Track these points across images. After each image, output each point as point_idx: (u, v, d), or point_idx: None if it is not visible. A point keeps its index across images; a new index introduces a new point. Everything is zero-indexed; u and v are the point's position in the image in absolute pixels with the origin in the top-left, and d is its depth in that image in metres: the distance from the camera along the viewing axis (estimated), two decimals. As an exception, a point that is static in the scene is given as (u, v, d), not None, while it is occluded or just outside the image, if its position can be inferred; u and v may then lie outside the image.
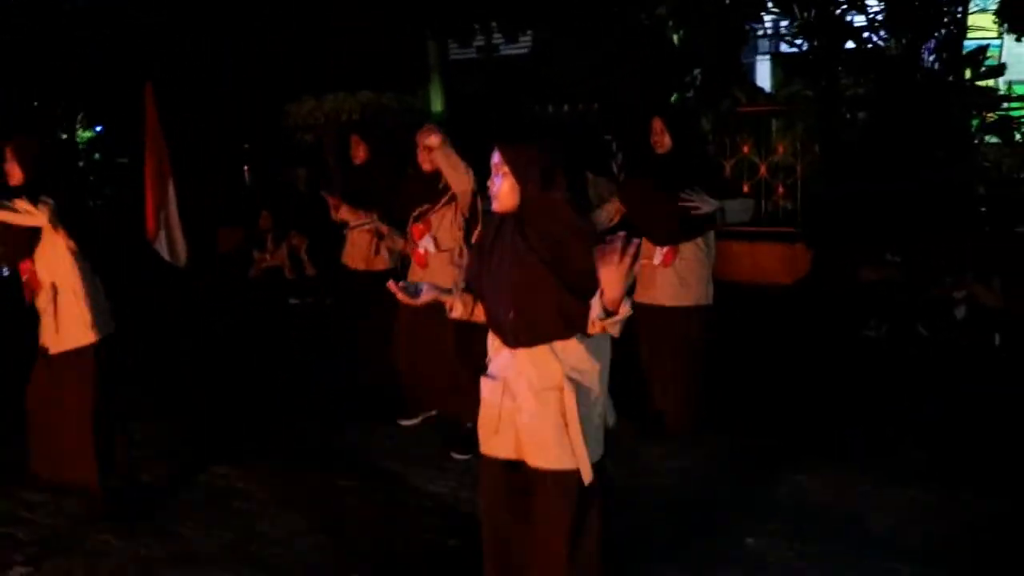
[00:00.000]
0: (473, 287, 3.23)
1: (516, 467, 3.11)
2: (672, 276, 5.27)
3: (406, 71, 16.45)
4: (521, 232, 3.02)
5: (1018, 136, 9.21)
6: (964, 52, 8.90)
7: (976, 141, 8.87)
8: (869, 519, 4.34)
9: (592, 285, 2.82)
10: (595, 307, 2.81)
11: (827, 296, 8.35)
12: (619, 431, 3.34)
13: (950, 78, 8.69)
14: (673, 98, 10.55)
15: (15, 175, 4.64)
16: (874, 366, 6.90)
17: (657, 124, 5.24)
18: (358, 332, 6.43)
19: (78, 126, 16.38)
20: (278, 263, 10.73)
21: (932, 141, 8.25)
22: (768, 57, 15.08)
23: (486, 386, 3.17)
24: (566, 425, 3.00)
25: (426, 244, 5.31)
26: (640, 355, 5.43)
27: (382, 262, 6.23)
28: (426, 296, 3.15)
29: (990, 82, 9.84)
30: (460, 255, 5.27)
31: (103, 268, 4.87)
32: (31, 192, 4.62)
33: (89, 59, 13.66)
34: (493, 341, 3.19)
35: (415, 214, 5.35)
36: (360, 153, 6.35)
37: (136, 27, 12.54)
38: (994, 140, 9.18)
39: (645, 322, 5.20)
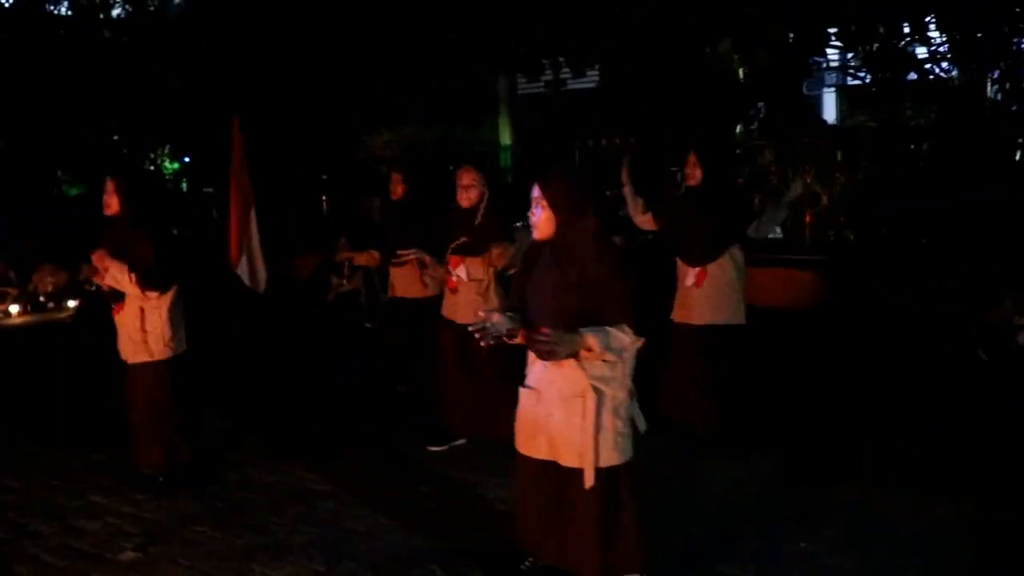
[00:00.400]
0: (519, 309, 3.63)
1: (549, 466, 3.55)
2: (703, 297, 5.65)
3: (477, 104, 16.93)
4: (556, 257, 3.47)
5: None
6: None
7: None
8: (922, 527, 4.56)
9: (612, 297, 3.33)
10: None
11: (897, 318, 8.46)
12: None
13: (1013, 108, 8.81)
14: (738, 130, 10.84)
15: (113, 206, 5.16)
16: (935, 392, 7.04)
17: (691, 157, 5.68)
18: (407, 356, 6.84)
19: (164, 158, 17.24)
20: (354, 288, 11.18)
21: (978, 165, 8.39)
22: (834, 90, 15.26)
23: (523, 396, 3.63)
24: (597, 431, 3.42)
25: (459, 273, 5.75)
26: (673, 370, 5.82)
27: (426, 290, 6.64)
28: (511, 330, 3.50)
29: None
30: (487, 288, 5.69)
31: (188, 292, 5.39)
32: (134, 222, 5.15)
33: (177, 96, 14.44)
34: (530, 355, 3.61)
35: (453, 246, 5.79)
36: (398, 189, 6.86)
37: (224, 64, 13.26)
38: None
39: (680, 340, 5.73)
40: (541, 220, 3.51)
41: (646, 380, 3.68)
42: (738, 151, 9.84)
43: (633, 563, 3.63)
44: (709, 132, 9.99)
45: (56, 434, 6.66)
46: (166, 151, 17.28)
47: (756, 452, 5.67)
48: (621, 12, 11.19)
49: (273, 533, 4.77)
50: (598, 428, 3.42)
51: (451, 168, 6.16)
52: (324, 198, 14.46)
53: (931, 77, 9.71)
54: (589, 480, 3.41)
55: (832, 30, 10.51)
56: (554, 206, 3.46)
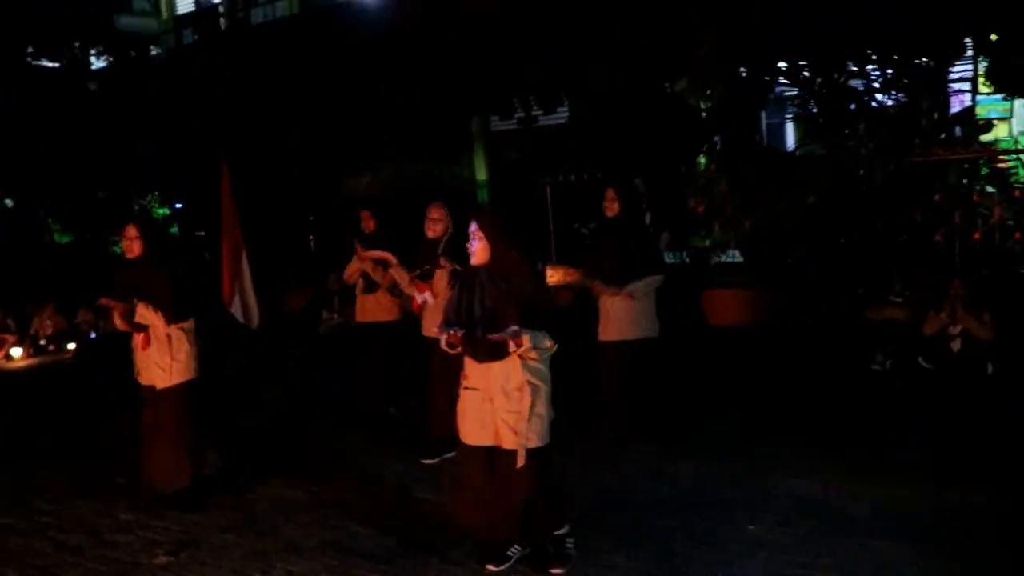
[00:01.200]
0: (454, 322, 4.47)
1: (492, 451, 4.45)
2: (622, 316, 6.44)
3: (453, 143, 17.66)
4: (490, 278, 4.37)
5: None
6: (952, 113, 9.87)
7: (972, 192, 9.76)
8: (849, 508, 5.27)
9: (538, 305, 4.30)
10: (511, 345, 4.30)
11: (838, 334, 9.25)
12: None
13: (942, 136, 9.64)
14: (701, 160, 11.62)
15: (135, 249, 5.82)
16: (878, 395, 7.77)
17: (609, 192, 6.47)
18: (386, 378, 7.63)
19: (154, 203, 17.88)
20: (344, 321, 11.81)
21: (913, 188, 9.21)
22: (792, 118, 16.09)
23: (469, 397, 4.47)
24: (529, 419, 4.33)
25: (426, 297, 6.48)
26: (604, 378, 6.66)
27: (391, 315, 7.50)
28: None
29: (993, 136, 10.77)
30: None
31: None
32: (155, 263, 5.83)
33: (167, 144, 15.15)
34: (469, 361, 4.48)
35: (418, 272, 6.54)
36: (370, 225, 7.67)
37: (212, 113, 13.97)
38: (991, 190, 10.06)
39: (607, 354, 6.58)
40: (478, 249, 4.43)
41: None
42: (700, 181, 10.57)
43: (556, 523, 4.59)
44: (658, 168, 10.79)
45: (75, 462, 7.28)
46: (155, 197, 17.94)
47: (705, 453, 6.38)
48: (583, 55, 12.01)
49: (288, 537, 5.41)
50: (532, 415, 4.33)
51: (417, 204, 6.89)
52: (311, 237, 15.13)
53: (872, 106, 10.54)
54: (521, 460, 4.34)
55: (781, 65, 11.38)
56: (489, 238, 4.37)
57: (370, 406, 7.85)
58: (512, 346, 4.28)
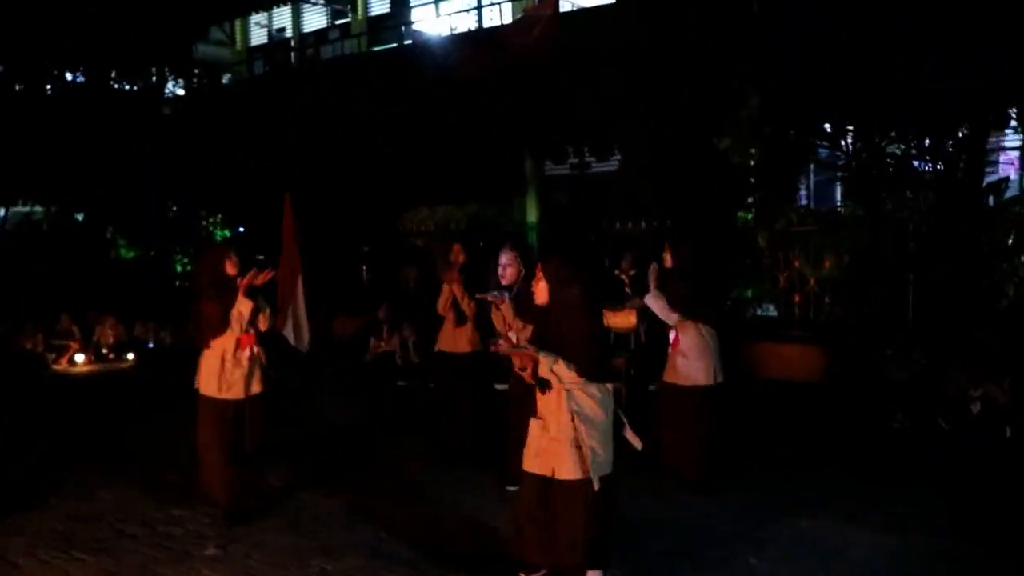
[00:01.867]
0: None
1: (547, 481, 4.74)
2: (680, 358, 6.85)
3: (506, 184, 18.20)
4: (552, 314, 4.76)
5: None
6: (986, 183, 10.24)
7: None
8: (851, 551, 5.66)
9: (573, 344, 4.64)
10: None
11: (859, 391, 9.58)
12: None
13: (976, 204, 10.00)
14: (740, 215, 12.07)
15: (232, 270, 6.36)
16: (895, 452, 8.10)
17: (667, 247, 6.98)
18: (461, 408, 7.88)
19: (216, 226, 18.76)
20: (391, 350, 12.42)
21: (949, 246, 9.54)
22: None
23: (533, 424, 4.85)
24: (579, 449, 4.63)
25: (511, 336, 6.89)
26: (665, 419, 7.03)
27: (469, 347, 7.76)
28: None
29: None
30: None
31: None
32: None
33: (234, 170, 15.96)
34: (537, 392, 4.84)
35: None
36: (460, 258, 7.95)
37: (278, 143, 14.73)
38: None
39: (666, 396, 6.98)
40: (540, 289, 4.85)
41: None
42: (740, 236, 11.05)
43: (601, 559, 4.81)
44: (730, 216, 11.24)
45: (132, 462, 7.94)
46: (218, 220, 18.81)
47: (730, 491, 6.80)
48: (634, 106, 12.56)
49: (325, 539, 5.92)
50: (580, 447, 4.62)
51: (480, 243, 7.33)
52: (364, 268, 15.77)
53: (912, 170, 10.91)
54: (596, 484, 4.59)
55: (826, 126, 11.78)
56: (549, 280, 4.80)
57: (446, 436, 8.01)
58: (517, 363, 4.73)
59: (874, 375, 9.61)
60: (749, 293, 12.04)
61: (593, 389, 4.70)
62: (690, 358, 6.82)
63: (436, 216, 13.83)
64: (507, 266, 6.71)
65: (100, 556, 5.71)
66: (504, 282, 6.71)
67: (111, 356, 14.35)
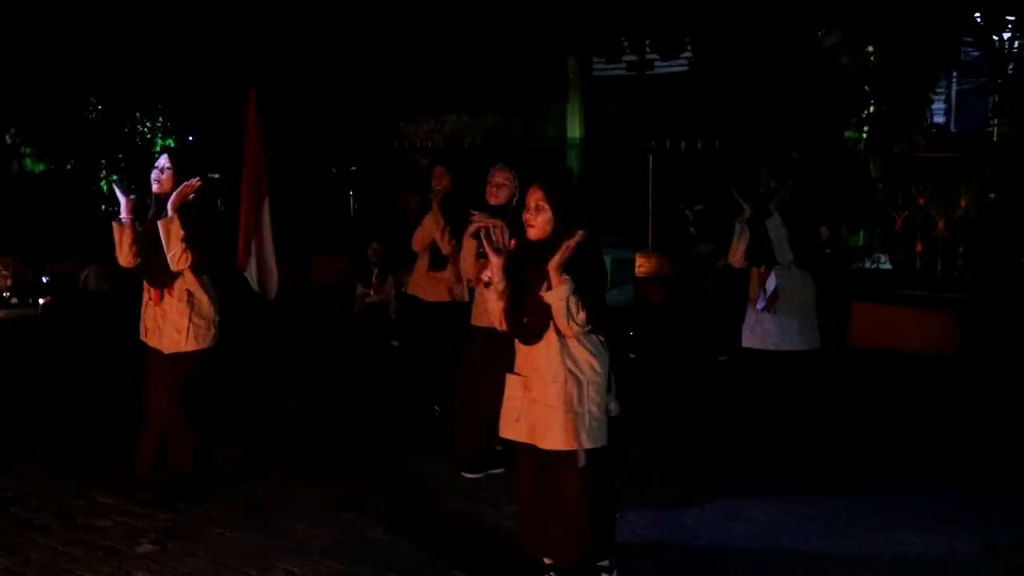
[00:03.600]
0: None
1: (529, 450, 5.01)
2: (774, 321, 7.06)
3: (540, 88, 18.11)
4: (548, 255, 4.81)
5: None
6: None
7: None
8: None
9: (593, 291, 4.81)
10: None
11: (998, 371, 9.59)
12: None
13: None
14: (848, 135, 12.02)
15: (167, 185, 6.49)
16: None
17: (765, 172, 7.04)
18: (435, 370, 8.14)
19: (158, 133, 18.82)
20: (383, 299, 12.50)
21: None
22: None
23: (511, 381, 5.08)
24: (573, 413, 4.84)
25: (485, 276, 7.08)
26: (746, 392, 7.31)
27: (456, 294, 8.05)
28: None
29: None
30: None
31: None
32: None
33: (180, 56, 15.88)
34: (517, 343, 5.06)
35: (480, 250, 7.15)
36: (443, 183, 8.15)
37: (242, 21, 14.61)
38: None
39: (749, 364, 7.28)
40: (539, 222, 4.93)
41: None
42: (846, 162, 10.98)
43: (602, 549, 5.09)
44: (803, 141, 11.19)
45: (41, 437, 8.13)
46: (158, 124, 18.81)
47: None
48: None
49: (296, 538, 6.07)
50: (569, 411, 4.84)
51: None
52: (352, 193, 15.83)
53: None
54: (581, 459, 4.86)
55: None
56: (555, 210, 4.89)
57: (414, 399, 8.50)
58: (488, 273, 4.98)
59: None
60: (860, 239, 12.05)
61: (592, 339, 4.93)
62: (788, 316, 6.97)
63: (445, 129, 13.85)
64: (502, 186, 7.04)
65: (3, 553, 5.84)
66: (492, 203, 6.99)
67: (13, 301, 14.56)
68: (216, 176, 16.85)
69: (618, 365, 5.18)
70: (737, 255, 7.25)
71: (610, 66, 18.75)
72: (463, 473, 7.15)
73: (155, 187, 6.58)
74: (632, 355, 8.27)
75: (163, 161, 6.57)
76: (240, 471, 7.31)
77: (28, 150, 19.50)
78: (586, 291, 4.79)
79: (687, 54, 15.76)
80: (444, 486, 7.04)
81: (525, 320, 4.97)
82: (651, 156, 12.97)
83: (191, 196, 6.42)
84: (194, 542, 6.01)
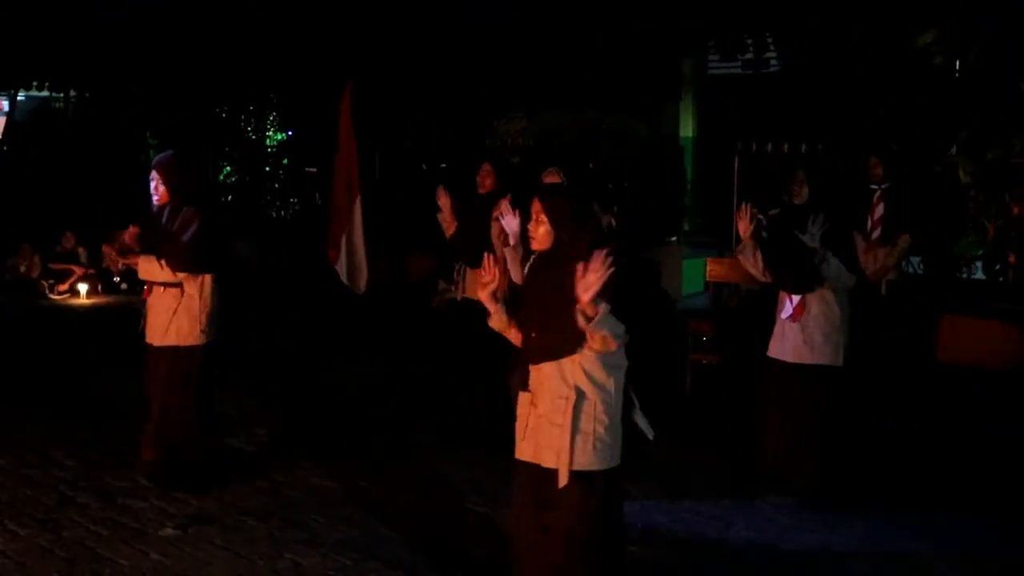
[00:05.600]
0: (512, 312, 4.90)
1: (532, 469, 4.78)
2: (798, 332, 6.88)
3: (653, 86, 18.08)
4: (552, 270, 4.70)
5: None
6: None
7: None
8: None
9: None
10: (578, 314, 4.43)
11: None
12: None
13: None
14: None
15: (161, 194, 6.79)
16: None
17: (799, 175, 6.96)
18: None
19: (269, 129, 19.38)
20: (465, 297, 12.61)
21: None
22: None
23: (521, 398, 4.88)
24: (579, 433, 4.63)
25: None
26: (760, 406, 7.20)
27: None
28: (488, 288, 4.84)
29: None
30: None
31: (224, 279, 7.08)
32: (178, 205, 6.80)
33: (285, 55, 16.34)
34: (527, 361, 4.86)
35: None
36: (487, 183, 8.25)
37: (339, 20, 14.96)
38: None
39: (771, 375, 7.08)
40: (539, 234, 4.78)
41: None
42: (936, 168, 10.75)
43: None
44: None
45: (112, 417, 8.56)
46: (273, 119, 19.39)
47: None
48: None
49: (311, 529, 6.30)
50: (575, 431, 4.63)
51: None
52: (442, 188, 15.95)
53: None
54: (563, 479, 4.63)
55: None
56: (554, 222, 4.73)
57: (457, 398, 8.63)
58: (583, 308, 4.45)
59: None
60: (965, 248, 11.77)
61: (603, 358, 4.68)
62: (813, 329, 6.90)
63: (537, 126, 13.93)
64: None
65: (37, 530, 6.21)
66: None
67: (124, 286, 15.11)
68: (313, 171, 17.49)
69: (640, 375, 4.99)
70: (757, 271, 7.22)
71: (723, 64, 18.63)
72: None
73: (154, 198, 6.89)
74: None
75: (153, 174, 6.86)
76: (282, 460, 7.63)
77: (154, 142, 20.23)
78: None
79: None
80: (473, 486, 7.16)
81: (532, 335, 4.76)
82: (737, 157, 12.83)
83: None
84: (214, 528, 6.29)
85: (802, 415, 6.93)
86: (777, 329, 7.08)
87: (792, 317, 6.91)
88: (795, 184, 7.03)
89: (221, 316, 7.06)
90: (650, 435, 4.90)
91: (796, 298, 6.89)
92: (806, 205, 6.96)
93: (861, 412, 7.30)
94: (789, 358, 6.97)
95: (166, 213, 6.85)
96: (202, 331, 6.87)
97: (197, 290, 6.84)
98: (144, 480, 7.06)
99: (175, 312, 6.82)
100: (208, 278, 6.89)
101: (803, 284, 6.86)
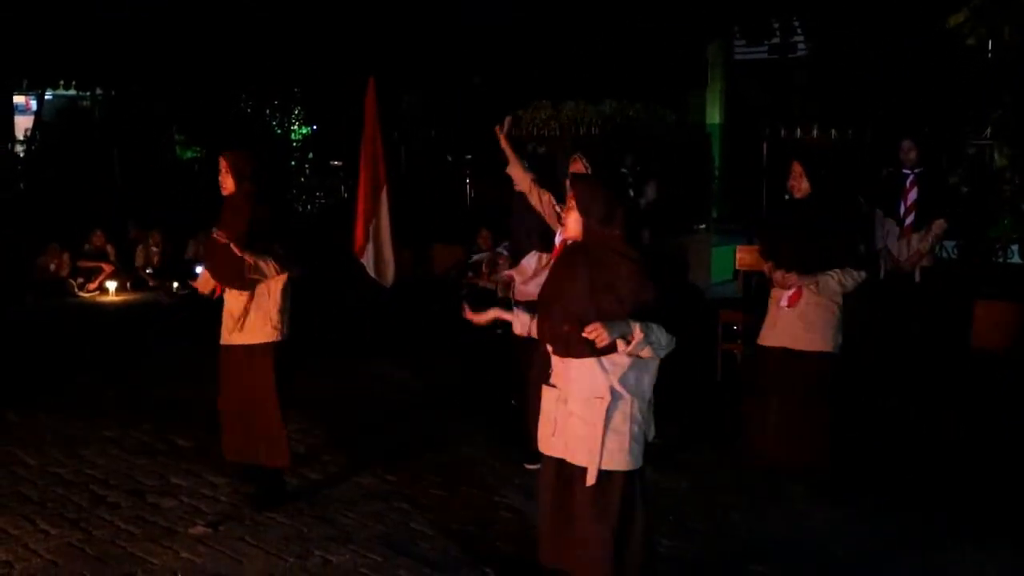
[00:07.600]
0: (532, 306, 4.88)
1: (562, 465, 4.75)
2: (795, 319, 6.87)
3: (677, 73, 18.02)
4: (583, 259, 4.65)
5: None
6: None
7: None
8: None
9: (633, 308, 4.46)
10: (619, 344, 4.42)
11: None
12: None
13: None
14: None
15: (228, 186, 6.75)
16: None
17: (796, 168, 6.89)
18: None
19: (294, 123, 19.42)
20: (491, 287, 12.66)
21: None
22: None
23: (546, 393, 4.84)
24: (612, 432, 4.59)
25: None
26: (758, 393, 7.18)
27: None
28: (489, 314, 4.93)
29: None
30: None
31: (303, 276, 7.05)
32: (244, 201, 6.72)
33: (309, 50, 16.39)
34: (552, 355, 4.80)
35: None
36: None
37: (363, 13, 14.99)
38: None
39: (761, 363, 7.11)
40: (569, 221, 4.73)
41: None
42: (971, 150, 10.65)
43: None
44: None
45: (142, 416, 8.56)
46: (297, 114, 19.42)
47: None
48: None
49: (342, 526, 6.29)
50: (608, 430, 4.58)
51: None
52: (468, 182, 16.02)
53: None
54: (591, 478, 4.60)
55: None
56: (584, 211, 4.66)
57: (493, 393, 8.68)
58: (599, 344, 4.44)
59: None
60: (1002, 231, 11.65)
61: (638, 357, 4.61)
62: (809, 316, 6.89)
63: (563, 115, 13.84)
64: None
65: (68, 529, 6.24)
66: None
67: (152, 283, 15.20)
68: (338, 164, 17.54)
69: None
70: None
71: (751, 49, 18.56)
72: (525, 465, 7.23)
73: (223, 190, 6.80)
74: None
75: (220, 164, 6.79)
76: (312, 457, 7.65)
77: (180, 137, 20.31)
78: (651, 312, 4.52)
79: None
80: (504, 480, 7.16)
81: (566, 328, 4.58)
82: (764, 143, 12.75)
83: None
84: (245, 525, 6.30)
85: (795, 400, 6.91)
86: (768, 318, 7.09)
87: (789, 303, 6.90)
88: (793, 178, 6.97)
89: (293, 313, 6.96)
90: (650, 436, 4.84)
91: (794, 286, 6.90)
92: (808, 198, 6.93)
93: (876, 400, 7.24)
94: (783, 343, 6.96)
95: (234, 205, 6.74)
96: (274, 327, 6.76)
97: (268, 287, 6.75)
98: (176, 478, 7.10)
99: (247, 310, 6.74)
100: (280, 280, 6.81)
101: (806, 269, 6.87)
